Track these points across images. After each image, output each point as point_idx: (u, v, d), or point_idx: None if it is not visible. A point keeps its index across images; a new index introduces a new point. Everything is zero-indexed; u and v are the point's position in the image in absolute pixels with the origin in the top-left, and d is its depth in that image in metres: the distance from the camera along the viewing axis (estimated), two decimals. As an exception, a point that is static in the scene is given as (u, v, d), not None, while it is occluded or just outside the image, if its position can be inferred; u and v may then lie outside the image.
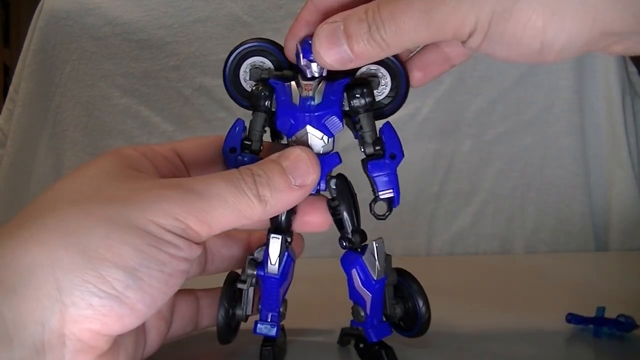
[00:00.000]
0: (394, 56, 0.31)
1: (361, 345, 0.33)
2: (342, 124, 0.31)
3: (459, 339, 0.37)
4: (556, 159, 0.76)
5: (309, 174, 0.29)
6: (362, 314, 0.32)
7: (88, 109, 0.80)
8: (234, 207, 0.27)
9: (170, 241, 0.25)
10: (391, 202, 0.31)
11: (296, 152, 0.29)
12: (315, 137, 0.30)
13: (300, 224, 0.32)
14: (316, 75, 0.30)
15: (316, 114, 0.30)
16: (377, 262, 0.31)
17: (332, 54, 0.27)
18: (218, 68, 0.90)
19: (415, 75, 0.32)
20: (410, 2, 0.26)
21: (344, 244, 0.32)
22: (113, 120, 0.79)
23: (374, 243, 0.31)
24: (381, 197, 0.31)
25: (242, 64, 0.32)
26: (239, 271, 0.32)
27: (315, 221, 0.32)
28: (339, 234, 0.32)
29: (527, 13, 0.25)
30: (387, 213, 0.31)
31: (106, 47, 0.79)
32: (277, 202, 0.28)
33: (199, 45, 0.79)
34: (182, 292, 0.33)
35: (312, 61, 0.29)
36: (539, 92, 0.77)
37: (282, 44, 0.32)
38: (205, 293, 0.35)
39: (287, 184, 0.28)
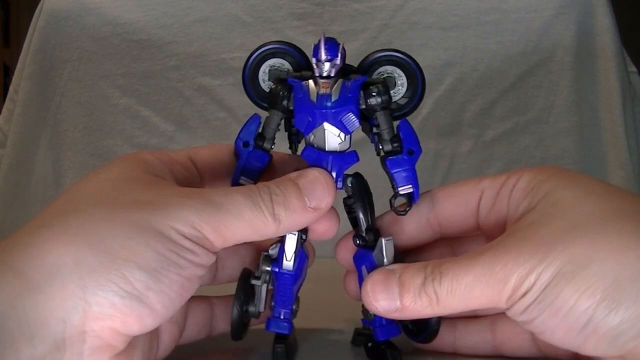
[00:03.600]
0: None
1: (369, 344, 0.33)
2: (359, 121, 0.31)
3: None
4: (556, 160, 0.76)
5: (325, 197, 0.29)
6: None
7: (88, 109, 0.80)
8: (250, 222, 0.28)
9: (188, 247, 0.26)
10: (411, 198, 0.32)
11: (314, 173, 0.30)
12: (332, 134, 0.31)
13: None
14: (326, 74, 0.30)
15: (333, 110, 0.30)
16: (385, 259, 0.31)
17: (381, 298, 0.28)
18: (218, 68, 0.90)
19: None
20: (473, 260, 0.27)
21: (358, 241, 0.32)
22: (113, 120, 0.79)
23: (383, 240, 0.31)
24: (401, 192, 0.32)
25: (261, 66, 0.33)
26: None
27: (318, 229, 0.32)
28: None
29: (591, 280, 0.25)
30: (408, 208, 0.32)
31: (106, 47, 0.79)
32: (291, 222, 0.29)
33: (199, 45, 0.78)
34: (195, 299, 0.33)
35: (324, 61, 0.30)
36: (539, 92, 0.77)
37: (285, 44, 0.33)
38: (219, 300, 0.35)
39: (302, 205, 0.29)
